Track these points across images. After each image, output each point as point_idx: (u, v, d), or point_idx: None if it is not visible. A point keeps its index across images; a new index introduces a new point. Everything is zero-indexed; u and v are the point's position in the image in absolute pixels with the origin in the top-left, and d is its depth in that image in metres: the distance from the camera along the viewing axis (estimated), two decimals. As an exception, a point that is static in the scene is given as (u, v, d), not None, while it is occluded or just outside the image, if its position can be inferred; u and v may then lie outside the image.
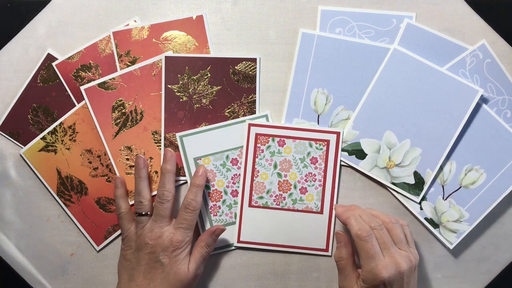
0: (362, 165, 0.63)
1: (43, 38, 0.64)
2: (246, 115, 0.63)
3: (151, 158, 0.63)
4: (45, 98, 0.64)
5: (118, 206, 0.61)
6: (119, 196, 0.61)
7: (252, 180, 0.63)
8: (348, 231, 0.56)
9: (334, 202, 0.63)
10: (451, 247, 0.62)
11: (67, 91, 0.64)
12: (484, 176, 0.62)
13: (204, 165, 0.62)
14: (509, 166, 0.61)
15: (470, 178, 0.62)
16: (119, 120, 0.63)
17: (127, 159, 0.63)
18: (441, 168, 0.62)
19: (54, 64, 0.64)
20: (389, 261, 0.53)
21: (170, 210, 0.59)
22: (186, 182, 0.63)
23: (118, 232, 0.64)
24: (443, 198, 0.62)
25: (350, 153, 0.63)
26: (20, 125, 0.64)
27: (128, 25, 0.64)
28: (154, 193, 0.63)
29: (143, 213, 0.59)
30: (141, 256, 0.57)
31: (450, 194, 0.62)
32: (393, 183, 0.62)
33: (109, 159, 0.63)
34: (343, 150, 0.63)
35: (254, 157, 0.63)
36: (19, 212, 0.64)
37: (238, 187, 0.63)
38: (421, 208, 0.63)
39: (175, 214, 0.61)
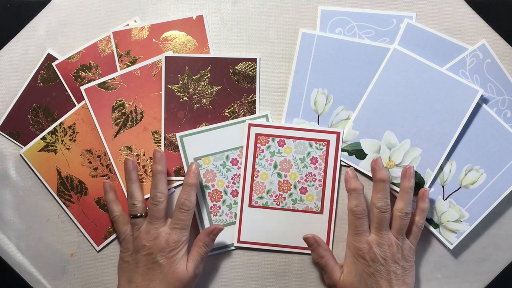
0: (362, 165, 0.63)
1: (43, 38, 0.64)
2: (246, 115, 0.63)
3: (151, 158, 0.63)
4: (45, 98, 0.64)
5: (111, 210, 0.61)
6: (110, 200, 0.61)
7: (252, 180, 0.63)
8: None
9: (334, 202, 0.63)
10: (451, 247, 0.62)
11: (67, 91, 0.64)
12: (484, 176, 0.62)
13: (196, 163, 0.61)
14: (509, 166, 0.61)
15: (470, 178, 0.62)
16: (119, 120, 0.63)
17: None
18: (441, 168, 0.62)
19: (54, 64, 0.64)
20: (373, 237, 0.56)
21: (164, 211, 0.59)
22: (186, 182, 0.63)
23: (118, 232, 0.64)
24: (443, 198, 0.62)
25: (350, 153, 0.63)
26: (20, 125, 0.64)
27: (128, 25, 0.64)
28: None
29: (138, 215, 0.59)
30: (139, 257, 0.57)
31: (450, 194, 0.62)
32: (393, 183, 0.62)
33: (109, 159, 0.63)
34: (343, 150, 0.63)
35: (254, 157, 0.63)
36: (19, 212, 0.64)
37: (238, 187, 0.63)
38: (421, 208, 0.63)
39: (170, 214, 0.61)
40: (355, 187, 0.59)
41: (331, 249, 0.63)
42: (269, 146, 0.63)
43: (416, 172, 0.62)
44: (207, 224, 0.63)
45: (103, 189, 0.62)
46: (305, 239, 0.60)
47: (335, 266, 0.59)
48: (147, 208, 0.60)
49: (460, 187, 0.62)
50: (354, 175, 0.60)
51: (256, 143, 0.63)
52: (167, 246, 0.57)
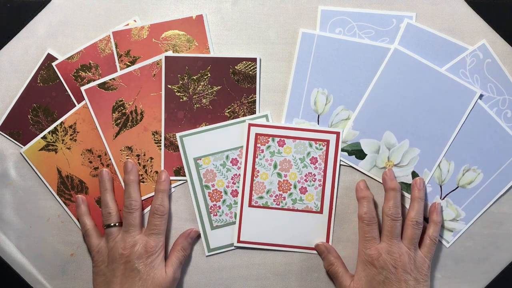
0: (361, 165, 0.63)
1: (43, 38, 0.64)
2: (246, 115, 0.63)
3: (151, 158, 0.63)
4: (45, 98, 0.64)
5: (83, 224, 0.62)
6: (82, 213, 0.62)
7: (252, 180, 0.63)
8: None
9: (334, 202, 0.63)
10: (447, 245, 0.62)
11: (67, 91, 0.64)
12: (481, 176, 0.62)
13: (166, 171, 0.62)
14: (506, 166, 0.62)
15: (467, 178, 0.62)
16: (119, 121, 0.63)
17: (128, 160, 0.63)
18: (439, 168, 0.62)
19: (54, 64, 0.64)
20: (383, 245, 0.56)
21: (139, 219, 0.60)
22: (186, 182, 0.63)
23: (118, 232, 0.64)
24: (440, 198, 0.62)
25: (350, 153, 0.63)
26: (20, 125, 0.64)
27: (128, 25, 0.64)
28: (150, 195, 0.63)
29: (112, 224, 0.60)
30: (115, 267, 0.58)
31: (448, 194, 0.62)
32: (393, 183, 0.63)
33: (110, 159, 0.63)
34: (343, 150, 0.63)
35: (254, 157, 0.63)
36: (19, 212, 0.64)
37: (238, 187, 0.63)
38: (420, 208, 0.63)
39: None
40: (365, 195, 0.60)
41: (331, 249, 0.63)
42: (269, 146, 0.63)
43: (414, 172, 0.62)
44: (207, 224, 0.63)
45: (75, 203, 0.63)
46: (316, 246, 0.62)
47: (345, 274, 0.59)
48: (122, 217, 0.61)
49: (458, 187, 0.62)
50: (365, 186, 0.61)
51: (256, 143, 0.63)
52: (145, 252, 0.58)
